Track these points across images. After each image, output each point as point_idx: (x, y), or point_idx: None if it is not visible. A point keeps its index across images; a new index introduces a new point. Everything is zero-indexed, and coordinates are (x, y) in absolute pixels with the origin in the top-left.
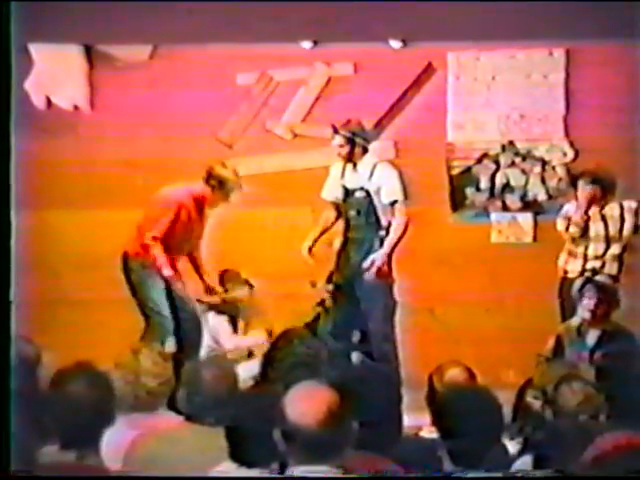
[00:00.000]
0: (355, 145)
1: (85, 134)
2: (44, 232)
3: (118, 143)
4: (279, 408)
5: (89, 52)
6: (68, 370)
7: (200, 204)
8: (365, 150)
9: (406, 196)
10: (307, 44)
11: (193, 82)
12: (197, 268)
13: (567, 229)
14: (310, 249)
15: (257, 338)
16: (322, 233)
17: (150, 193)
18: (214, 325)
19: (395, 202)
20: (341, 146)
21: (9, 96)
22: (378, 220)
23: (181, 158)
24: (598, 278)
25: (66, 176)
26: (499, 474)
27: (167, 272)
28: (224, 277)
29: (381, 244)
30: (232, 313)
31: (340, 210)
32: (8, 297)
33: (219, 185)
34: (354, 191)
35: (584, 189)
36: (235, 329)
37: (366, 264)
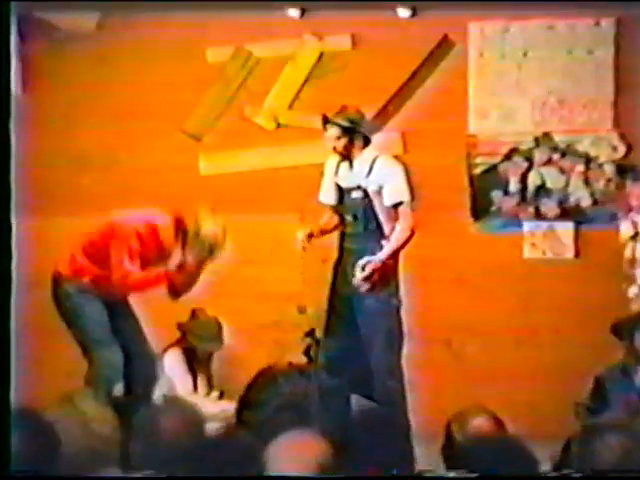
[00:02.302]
0: (354, 137)
1: (15, 123)
2: None
3: (58, 135)
4: (260, 461)
5: (21, 20)
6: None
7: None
8: (366, 142)
9: (413, 196)
10: (294, 12)
11: (152, 58)
12: None
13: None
14: (308, 237)
15: (225, 405)
16: (322, 232)
17: (99, 196)
18: (170, 373)
19: (400, 204)
20: (337, 138)
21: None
22: (380, 226)
23: (137, 153)
24: None
25: None
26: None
27: (162, 278)
28: (194, 318)
29: None
30: (193, 359)
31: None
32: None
33: (192, 238)
34: (350, 191)
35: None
36: (195, 383)
37: (359, 265)
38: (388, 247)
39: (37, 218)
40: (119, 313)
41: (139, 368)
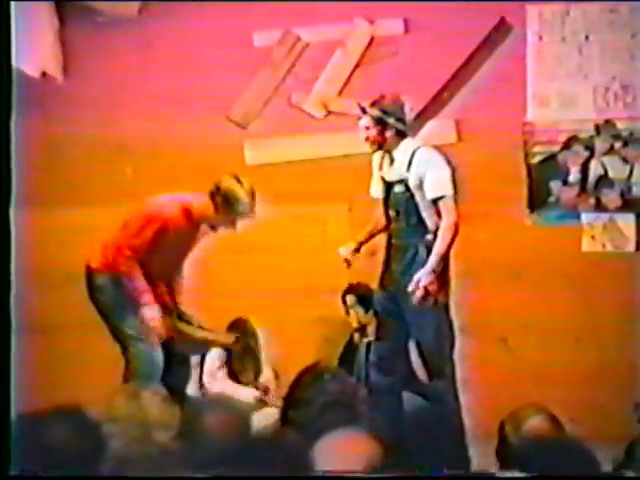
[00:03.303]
0: (385, 128)
1: (56, 109)
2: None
3: (100, 121)
4: (307, 461)
5: (61, 4)
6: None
7: (192, 220)
8: (402, 134)
9: (456, 190)
10: None
11: (196, 43)
12: (172, 294)
13: None
14: (351, 253)
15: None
16: (370, 237)
17: (140, 186)
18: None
19: (441, 198)
20: (367, 128)
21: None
22: (423, 221)
23: (180, 142)
24: None
25: (32, 164)
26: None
27: (146, 299)
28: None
29: (429, 252)
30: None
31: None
32: (8, 297)
33: (225, 203)
34: (393, 185)
35: None
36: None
37: (411, 286)
38: (434, 255)
39: (75, 208)
40: None
41: (175, 364)
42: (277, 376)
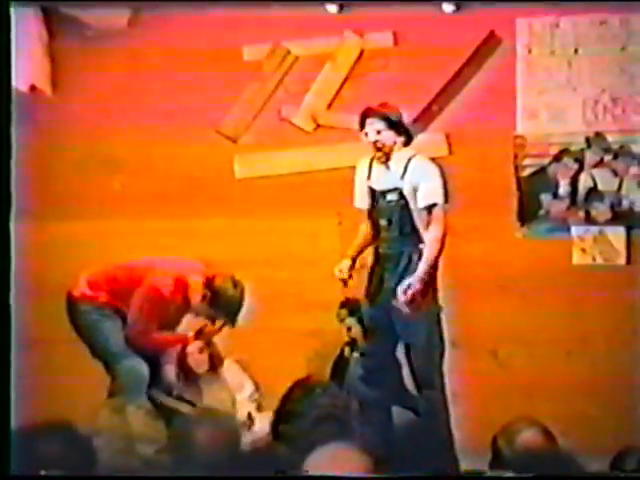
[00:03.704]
0: (400, 132)
1: (45, 123)
2: None
3: (88, 135)
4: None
5: (49, 17)
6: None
7: (187, 296)
8: (409, 141)
9: (447, 199)
10: (333, 7)
11: (185, 57)
12: None
13: None
14: (346, 271)
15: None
16: (361, 251)
17: (130, 201)
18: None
19: (433, 206)
20: (378, 132)
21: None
22: (416, 230)
23: (170, 156)
24: None
25: (20, 177)
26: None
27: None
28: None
29: None
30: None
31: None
32: (8, 298)
33: (213, 299)
34: (385, 193)
35: None
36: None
37: (401, 288)
38: (424, 264)
39: (64, 222)
40: None
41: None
42: (258, 388)
